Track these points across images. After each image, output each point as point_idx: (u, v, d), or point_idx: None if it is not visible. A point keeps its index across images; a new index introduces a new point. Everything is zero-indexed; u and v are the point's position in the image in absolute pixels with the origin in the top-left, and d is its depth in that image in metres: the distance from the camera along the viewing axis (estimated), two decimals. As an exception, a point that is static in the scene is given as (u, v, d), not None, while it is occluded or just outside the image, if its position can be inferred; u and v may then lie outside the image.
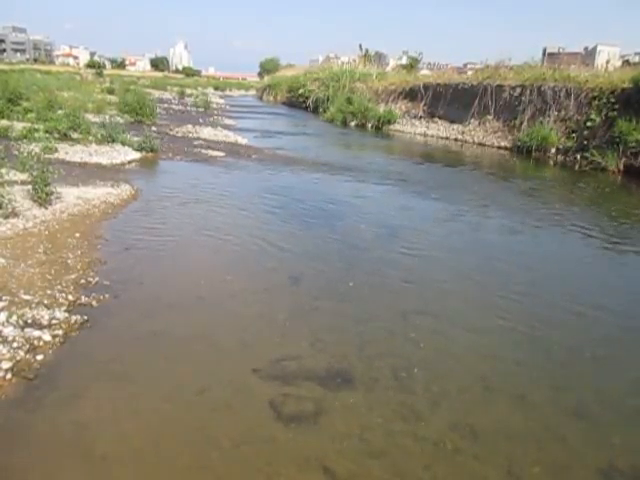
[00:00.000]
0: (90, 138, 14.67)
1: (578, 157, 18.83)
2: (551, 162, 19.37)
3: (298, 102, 43.52)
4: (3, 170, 8.95)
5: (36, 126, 15.02)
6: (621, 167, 16.95)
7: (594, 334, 5.50)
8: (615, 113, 17.91)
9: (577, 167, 18.27)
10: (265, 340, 4.88)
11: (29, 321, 4.68)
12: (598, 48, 72.65)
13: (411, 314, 5.64)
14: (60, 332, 4.60)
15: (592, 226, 10.08)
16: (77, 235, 7.10)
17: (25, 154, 9.77)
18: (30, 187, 8.17)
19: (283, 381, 4.19)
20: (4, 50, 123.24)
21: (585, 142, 18.77)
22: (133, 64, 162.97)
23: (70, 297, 5.25)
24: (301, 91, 43.12)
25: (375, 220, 9.39)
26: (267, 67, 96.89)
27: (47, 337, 4.48)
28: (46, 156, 10.61)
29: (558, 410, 4.19)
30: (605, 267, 7.98)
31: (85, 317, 4.88)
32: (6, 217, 7.24)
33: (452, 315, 5.76)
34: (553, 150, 20.01)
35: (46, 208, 7.96)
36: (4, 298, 4.96)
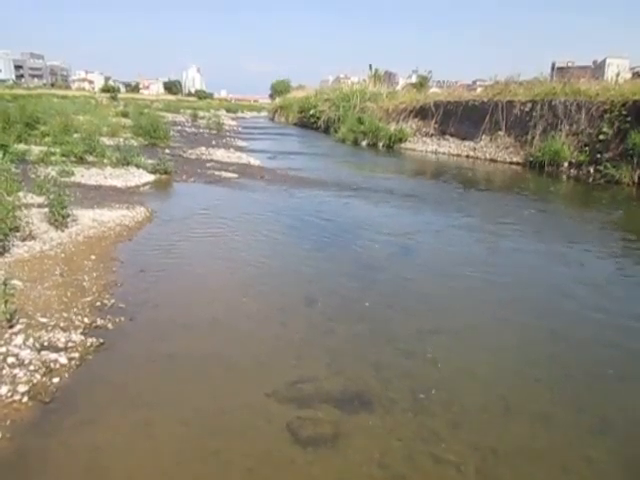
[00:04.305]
0: (105, 161, 14.88)
1: (591, 170, 18.71)
2: (564, 176, 19.25)
3: (309, 123, 43.90)
4: (21, 193, 9.10)
5: (53, 150, 15.25)
6: (636, 179, 16.80)
7: (617, 352, 5.38)
8: (627, 125, 17.80)
9: (591, 180, 18.12)
10: (281, 362, 4.84)
11: (45, 344, 4.69)
12: (607, 61, 72.65)
13: (428, 333, 5.57)
14: (76, 355, 4.60)
15: (611, 242, 9.96)
16: (93, 257, 7.15)
17: (42, 177, 9.93)
18: (47, 210, 8.28)
19: (300, 404, 4.14)
20: (22, 76, 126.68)
21: (598, 155, 18.65)
22: (147, 88, 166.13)
23: (86, 319, 5.26)
24: (312, 112, 43.50)
25: (389, 239, 9.32)
26: (278, 89, 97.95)
27: (63, 360, 4.48)
28: (62, 179, 10.77)
29: (582, 429, 4.08)
30: (632, 285, 7.79)
31: (101, 340, 4.88)
32: (23, 240, 7.32)
33: (470, 333, 5.68)
34: (566, 164, 19.88)
35: (62, 231, 8.04)
36: (21, 321, 4.99)
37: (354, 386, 4.44)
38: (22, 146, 15.80)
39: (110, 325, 5.23)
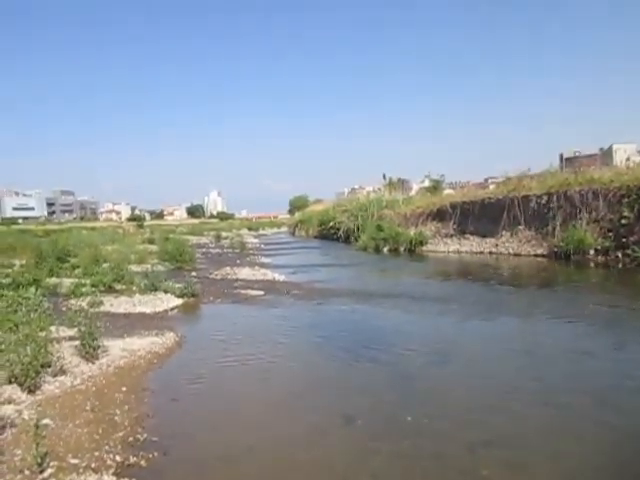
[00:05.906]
0: (133, 288, 15.18)
1: (620, 255, 18.50)
2: (592, 264, 18.97)
3: (329, 234, 44.84)
4: (52, 327, 9.20)
5: (83, 281, 15.71)
6: (667, 260, 16.50)
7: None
8: (648, 207, 17.89)
9: (620, 265, 17.83)
10: (325, 491, 4.49)
11: (77, 489, 4.46)
12: (614, 147, 74.77)
13: (478, 446, 5.16)
14: (108, 499, 4.34)
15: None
16: (124, 389, 7.02)
17: (73, 310, 10.12)
18: (78, 342, 8.31)
19: (350, 539, 3.76)
20: (54, 212, 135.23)
21: (623, 240, 18.55)
22: (171, 214, 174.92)
23: (118, 457, 5.03)
24: (331, 223, 44.61)
25: (422, 346, 8.99)
26: (297, 204, 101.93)
27: (95, 506, 4.22)
28: (92, 310, 10.93)
29: None
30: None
31: (134, 480, 4.63)
32: (55, 375, 7.28)
33: (523, 443, 5.26)
34: (592, 251, 19.72)
35: (93, 363, 8.00)
36: (52, 464, 4.80)
37: (407, 514, 4.05)
38: (54, 279, 16.33)
39: (143, 462, 4.98)
